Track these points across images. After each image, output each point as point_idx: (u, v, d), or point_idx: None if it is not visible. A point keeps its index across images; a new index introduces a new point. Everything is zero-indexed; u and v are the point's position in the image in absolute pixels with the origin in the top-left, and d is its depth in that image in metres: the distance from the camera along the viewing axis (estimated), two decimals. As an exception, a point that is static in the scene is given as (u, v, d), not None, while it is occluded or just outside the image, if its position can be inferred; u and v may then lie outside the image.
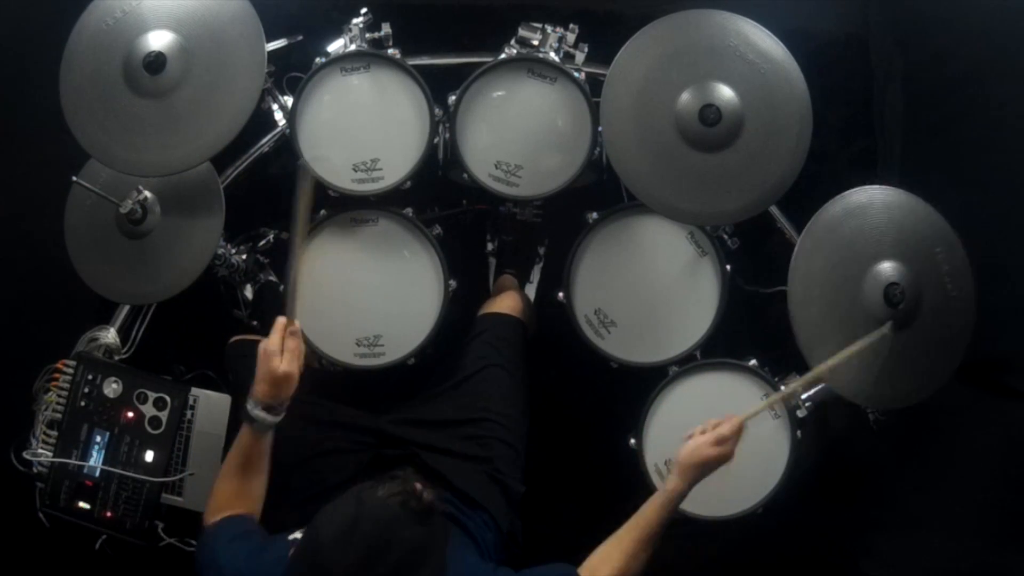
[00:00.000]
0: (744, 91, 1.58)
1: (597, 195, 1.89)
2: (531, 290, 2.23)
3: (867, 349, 1.53)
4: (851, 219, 1.67)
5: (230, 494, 1.41)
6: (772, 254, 2.01)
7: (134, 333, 1.98)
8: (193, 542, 1.87)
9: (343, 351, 1.79)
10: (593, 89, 1.71)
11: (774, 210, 1.97)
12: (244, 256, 1.96)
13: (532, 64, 1.73)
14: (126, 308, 2.00)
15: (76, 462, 1.82)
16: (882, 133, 2.18)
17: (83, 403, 1.84)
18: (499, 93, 1.76)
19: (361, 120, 1.76)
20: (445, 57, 2.09)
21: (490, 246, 2.24)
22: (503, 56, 1.74)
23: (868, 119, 2.21)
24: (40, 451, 1.83)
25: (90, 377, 1.85)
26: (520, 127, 1.76)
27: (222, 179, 1.83)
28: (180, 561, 1.86)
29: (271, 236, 2.05)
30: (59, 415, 1.84)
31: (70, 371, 1.85)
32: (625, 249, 1.83)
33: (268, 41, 1.65)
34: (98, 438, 1.83)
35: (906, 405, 1.69)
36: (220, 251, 1.83)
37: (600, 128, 1.66)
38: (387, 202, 1.80)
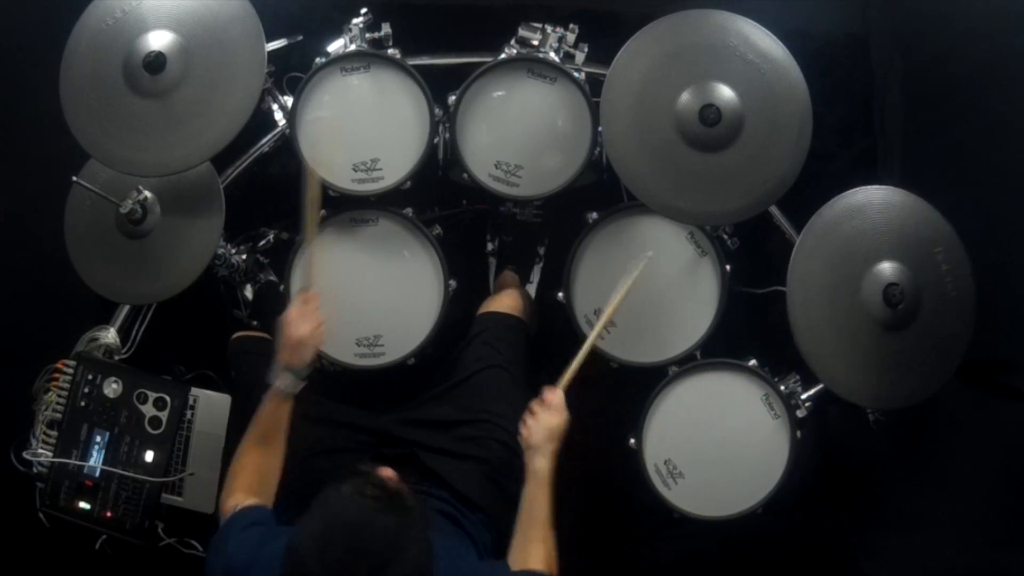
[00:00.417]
0: (744, 91, 1.58)
1: (597, 195, 1.89)
2: (531, 290, 2.23)
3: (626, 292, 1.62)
4: (851, 219, 1.67)
5: (250, 468, 1.42)
6: (772, 254, 2.01)
7: (134, 333, 1.98)
8: (193, 542, 1.88)
9: (343, 351, 1.79)
10: (593, 89, 1.71)
11: (774, 210, 1.97)
12: (244, 256, 1.96)
13: (532, 64, 1.73)
14: (126, 308, 2.00)
15: (76, 462, 1.82)
16: (882, 133, 2.18)
17: (83, 403, 1.84)
18: (499, 93, 1.76)
19: (361, 120, 1.76)
20: (445, 57, 2.09)
21: (490, 246, 2.24)
22: (503, 56, 1.74)
23: (868, 119, 2.21)
24: (40, 451, 1.83)
25: (90, 377, 1.85)
26: (520, 127, 1.76)
27: (222, 179, 1.83)
28: (180, 561, 1.86)
29: (271, 236, 2.05)
30: (59, 415, 1.84)
31: (70, 371, 1.85)
32: (625, 249, 1.83)
33: (268, 41, 1.65)
34: (98, 438, 1.83)
35: (906, 405, 1.69)
36: (220, 251, 1.83)
37: (600, 128, 1.66)
38: (387, 202, 1.80)
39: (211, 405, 1.92)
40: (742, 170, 1.59)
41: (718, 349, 1.83)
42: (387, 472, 1.21)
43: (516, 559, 1.39)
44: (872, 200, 1.67)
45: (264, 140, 2.03)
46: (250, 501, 1.37)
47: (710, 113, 1.56)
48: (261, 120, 1.93)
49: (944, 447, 1.86)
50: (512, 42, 1.77)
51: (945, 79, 1.99)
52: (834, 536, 1.99)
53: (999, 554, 1.67)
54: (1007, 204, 1.78)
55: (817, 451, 1.95)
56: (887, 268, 1.64)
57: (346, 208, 1.79)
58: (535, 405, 1.52)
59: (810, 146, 1.59)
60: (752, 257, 1.98)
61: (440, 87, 1.76)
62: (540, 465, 1.46)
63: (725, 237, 1.82)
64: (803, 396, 1.77)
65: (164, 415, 1.85)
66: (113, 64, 1.62)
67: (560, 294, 1.82)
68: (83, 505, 1.82)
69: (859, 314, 1.64)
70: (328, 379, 1.88)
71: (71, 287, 1.78)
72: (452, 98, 1.75)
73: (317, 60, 1.74)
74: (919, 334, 1.65)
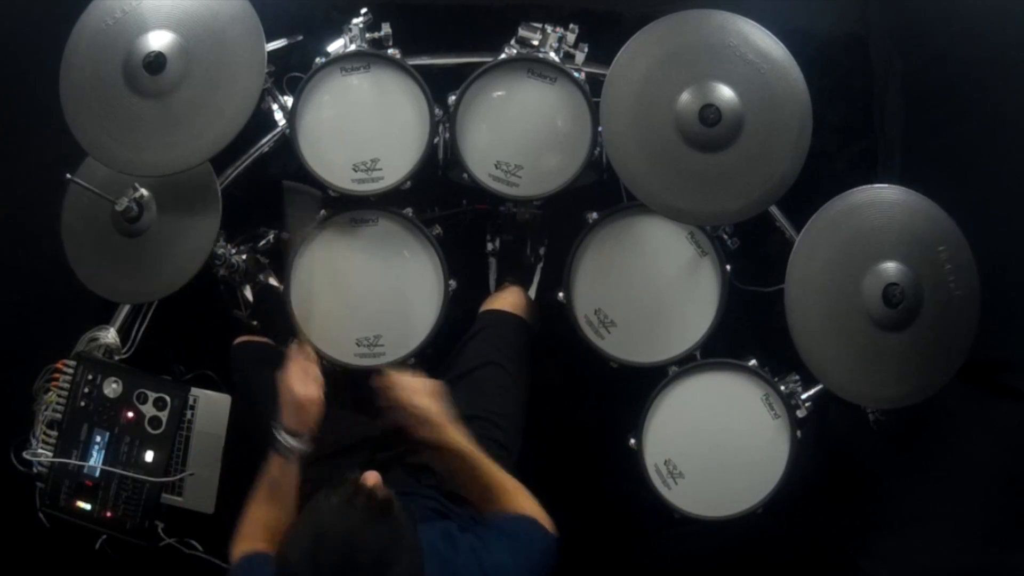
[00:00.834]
0: (744, 91, 1.58)
1: (597, 195, 1.89)
2: (531, 290, 2.23)
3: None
4: (851, 219, 1.67)
5: (259, 522, 1.40)
6: (772, 254, 2.01)
7: (134, 333, 1.98)
8: (193, 542, 1.88)
9: (343, 351, 1.79)
10: (593, 89, 1.71)
11: (774, 210, 1.97)
12: (244, 256, 1.96)
13: (532, 64, 1.73)
14: (126, 308, 2.00)
15: (76, 462, 1.82)
16: (882, 133, 2.18)
17: (83, 403, 1.84)
18: (499, 93, 1.76)
19: (361, 120, 1.76)
20: (445, 57, 2.09)
21: (490, 246, 2.23)
22: (503, 56, 1.74)
23: (868, 119, 2.21)
24: (40, 451, 1.83)
25: (90, 377, 1.85)
26: (520, 127, 1.76)
27: (222, 179, 1.84)
28: (180, 561, 1.86)
29: (271, 236, 2.05)
30: (59, 415, 1.84)
31: (70, 371, 1.85)
32: (625, 249, 1.83)
33: (268, 41, 1.65)
34: (98, 438, 1.83)
35: (906, 405, 1.69)
36: (220, 251, 1.83)
37: (600, 128, 1.66)
38: (387, 202, 1.80)
39: (211, 405, 1.92)
40: (742, 170, 1.59)
41: (718, 349, 1.83)
42: (374, 479, 1.18)
43: (499, 504, 1.38)
44: (874, 199, 1.67)
45: (264, 140, 2.03)
46: (258, 547, 1.37)
47: (710, 113, 1.56)
48: (261, 120, 1.93)
49: (944, 447, 1.86)
50: (512, 42, 1.77)
51: (945, 79, 1.99)
52: (834, 536, 1.99)
53: (999, 554, 1.67)
54: (1007, 204, 1.78)
55: (817, 451, 1.95)
56: (887, 268, 1.64)
57: (346, 208, 1.80)
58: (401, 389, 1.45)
59: (810, 146, 1.59)
60: (752, 257, 1.98)
61: (440, 87, 1.76)
62: (453, 436, 1.42)
63: (725, 237, 1.82)
64: (803, 396, 1.77)
65: (164, 415, 1.85)
66: (113, 64, 1.62)
67: (560, 294, 1.82)
68: (83, 505, 1.82)
69: (859, 314, 1.64)
70: (327, 379, 1.88)
71: (71, 287, 1.77)
72: (452, 98, 1.75)
73: (317, 60, 1.74)
74: (920, 334, 1.65)
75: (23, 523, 1.87)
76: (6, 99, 2.11)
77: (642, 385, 1.80)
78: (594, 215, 1.82)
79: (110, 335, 1.97)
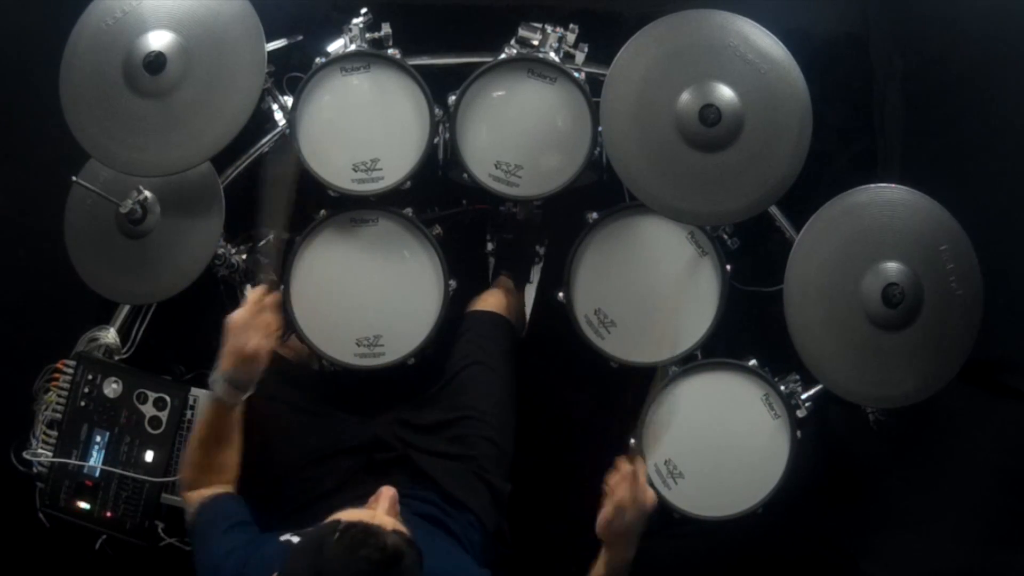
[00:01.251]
0: (744, 91, 1.58)
1: (597, 195, 1.89)
2: (531, 290, 2.23)
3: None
4: (851, 219, 1.67)
5: (198, 467, 1.40)
6: (772, 254, 2.01)
7: (134, 333, 1.98)
8: (193, 542, 1.87)
9: (343, 351, 1.79)
10: (593, 89, 1.71)
11: (774, 210, 1.97)
12: (244, 256, 1.96)
13: (532, 64, 1.73)
14: (126, 308, 2.00)
15: (76, 462, 1.82)
16: (882, 133, 2.18)
17: (83, 403, 1.84)
18: (499, 93, 1.76)
19: (361, 120, 1.76)
20: (445, 57, 2.09)
21: (490, 246, 2.24)
22: (503, 56, 1.74)
23: (868, 119, 2.21)
24: (40, 451, 1.83)
25: (90, 377, 1.85)
26: (520, 127, 1.76)
27: (222, 179, 1.83)
28: (180, 561, 1.86)
29: (271, 236, 2.05)
30: (59, 415, 1.84)
31: (70, 371, 1.85)
32: (625, 249, 1.83)
33: (268, 41, 1.65)
34: (98, 438, 1.83)
35: (906, 405, 1.69)
36: (220, 251, 1.83)
37: (600, 128, 1.66)
38: (387, 202, 1.80)
39: (211, 405, 1.92)
40: (742, 170, 1.59)
41: (718, 349, 1.83)
42: (390, 524, 1.10)
43: None
44: (875, 199, 1.67)
45: (264, 140, 2.03)
46: (217, 490, 1.35)
47: (710, 113, 1.56)
48: (261, 120, 1.93)
49: (944, 447, 1.86)
50: (512, 42, 1.77)
51: (945, 79, 1.99)
52: (834, 536, 1.99)
53: (999, 554, 1.67)
54: (1007, 204, 1.78)
55: (817, 451, 1.95)
56: (887, 268, 1.64)
57: (346, 208, 1.79)
58: (607, 494, 1.36)
59: (810, 146, 1.59)
60: (752, 257, 1.97)
61: (440, 87, 1.76)
62: (612, 555, 1.35)
63: (725, 237, 1.82)
64: (803, 396, 1.77)
65: (164, 415, 1.85)
66: (113, 64, 1.62)
67: (560, 294, 1.82)
68: (83, 505, 1.82)
69: (859, 314, 1.64)
70: (328, 379, 1.88)
71: (71, 287, 1.78)
72: (452, 98, 1.75)
73: (317, 60, 1.74)
74: (921, 333, 1.65)
75: (23, 523, 1.87)
76: (7, 99, 2.11)
77: (642, 385, 1.80)
78: (594, 215, 1.82)
79: (110, 335, 1.97)
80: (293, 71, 1.92)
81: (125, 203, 1.69)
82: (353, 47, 1.75)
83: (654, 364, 1.81)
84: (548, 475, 2.05)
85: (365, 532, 1.05)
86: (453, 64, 2.07)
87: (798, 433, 1.74)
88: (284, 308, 1.80)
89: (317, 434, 1.63)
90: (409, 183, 1.76)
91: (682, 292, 1.83)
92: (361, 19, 1.76)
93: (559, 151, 1.77)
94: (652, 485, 1.75)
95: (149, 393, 1.85)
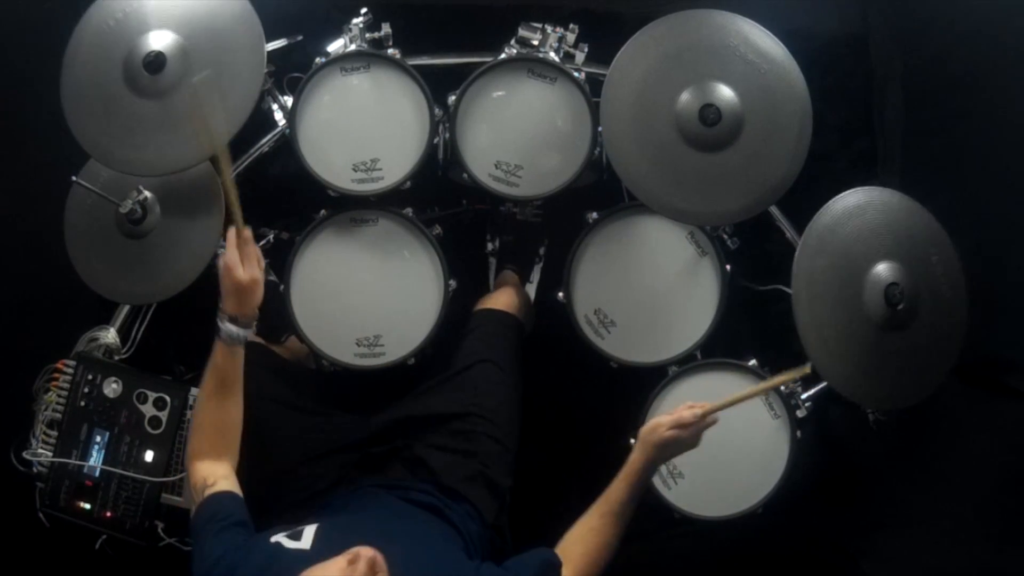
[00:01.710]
0: (744, 91, 1.58)
1: (597, 195, 1.89)
2: (531, 290, 2.23)
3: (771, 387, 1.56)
4: (852, 219, 1.67)
5: (209, 425, 1.41)
6: (772, 254, 2.01)
7: (134, 333, 1.98)
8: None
9: (343, 351, 1.79)
10: (593, 89, 1.71)
11: (774, 210, 1.97)
12: (244, 256, 1.95)
13: (532, 64, 1.73)
14: (126, 308, 2.00)
15: (76, 462, 1.82)
16: (882, 133, 2.18)
17: (83, 403, 1.84)
18: (499, 93, 1.76)
19: (361, 120, 1.76)
20: (445, 57, 2.09)
21: (490, 246, 2.24)
22: (503, 56, 1.75)
23: (868, 119, 2.21)
24: (40, 451, 1.83)
25: (90, 377, 1.85)
26: (520, 127, 1.76)
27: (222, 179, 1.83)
28: (180, 561, 1.86)
29: (271, 236, 2.05)
30: (59, 415, 1.84)
31: (70, 371, 1.85)
32: (625, 249, 1.83)
33: (268, 41, 1.65)
34: (98, 438, 1.83)
35: (906, 405, 1.69)
36: (220, 251, 1.83)
37: (600, 128, 1.66)
38: (387, 202, 1.80)
39: (211, 405, 1.92)
40: (742, 170, 1.59)
41: (718, 349, 1.83)
42: (373, 564, 1.10)
43: (567, 541, 1.36)
44: (871, 200, 1.67)
45: (264, 140, 2.03)
46: (221, 487, 1.35)
47: (710, 113, 1.56)
48: (261, 120, 1.93)
49: (944, 447, 1.86)
50: (512, 42, 1.77)
51: (945, 79, 1.99)
52: (834, 536, 1.99)
53: (999, 554, 1.67)
54: (1007, 204, 1.78)
55: (817, 451, 1.95)
56: (887, 268, 1.64)
57: (346, 208, 1.80)
58: (683, 407, 1.41)
59: (810, 146, 1.59)
60: (752, 257, 1.97)
61: (440, 87, 1.76)
62: (634, 458, 1.40)
63: (725, 237, 1.82)
64: (803, 396, 1.77)
65: (164, 415, 1.85)
66: (113, 64, 1.62)
67: (560, 294, 1.82)
68: (83, 505, 1.82)
69: (860, 314, 1.64)
70: (328, 379, 1.88)
71: (71, 287, 1.77)
72: (452, 98, 1.75)
73: (317, 60, 1.74)
74: (918, 334, 1.65)
75: (23, 523, 1.87)
76: (7, 99, 2.11)
77: (642, 385, 1.80)
78: (594, 215, 1.82)
79: (110, 335, 1.97)
80: (293, 71, 1.92)
81: (125, 203, 1.70)
82: (353, 47, 1.75)
83: (654, 364, 1.81)
84: (548, 475, 2.05)
85: (352, 569, 1.05)
86: (453, 64, 2.06)
87: (798, 433, 1.74)
88: (284, 308, 1.80)
89: (314, 433, 1.63)
90: (409, 183, 1.76)
91: (682, 292, 1.83)
92: (361, 19, 1.76)
93: (559, 151, 1.77)
94: (652, 485, 1.76)
95: (149, 393, 1.85)
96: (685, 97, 1.59)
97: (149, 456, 1.84)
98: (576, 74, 1.73)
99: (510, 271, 2.18)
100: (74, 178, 1.72)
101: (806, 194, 1.68)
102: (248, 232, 1.41)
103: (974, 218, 1.68)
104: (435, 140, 1.76)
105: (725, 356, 1.80)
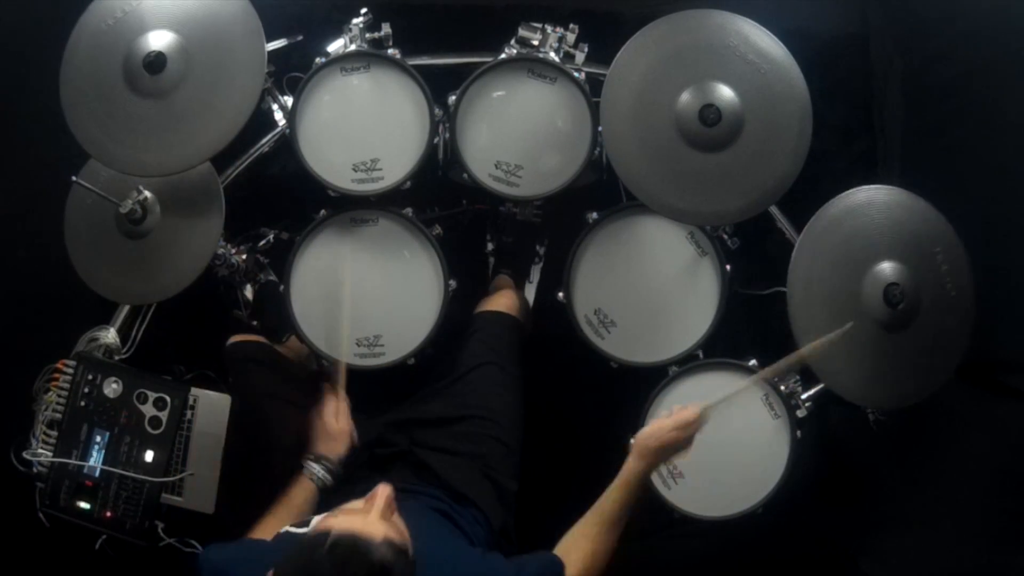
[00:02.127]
0: (744, 91, 1.58)
1: (597, 195, 1.89)
2: (531, 290, 2.23)
3: (843, 338, 1.51)
4: (851, 219, 1.67)
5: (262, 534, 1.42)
6: (772, 254, 2.01)
7: (134, 333, 1.98)
8: (193, 542, 1.87)
9: (343, 351, 1.79)
10: (593, 89, 1.71)
11: (774, 210, 1.97)
12: (244, 256, 1.95)
13: (532, 64, 1.73)
14: (126, 308, 2.00)
15: (76, 462, 1.82)
16: (882, 133, 2.18)
17: (83, 403, 1.84)
18: (499, 93, 1.76)
19: (361, 120, 1.76)
20: (445, 57, 2.09)
21: (490, 246, 2.24)
22: (503, 56, 1.75)
23: (868, 119, 2.21)
24: (40, 451, 1.83)
25: (90, 377, 1.85)
26: (520, 127, 1.76)
27: (222, 179, 1.83)
28: (180, 561, 1.86)
29: (271, 236, 2.05)
30: (59, 415, 1.84)
31: (70, 371, 1.85)
32: (625, 249, 1.83)
33: (268, 41, 1.65)
34: (98, 438, 1.83)
35: (906, 405, 1.69)
36: (220, 251, 1.83)
37: (600, 128, 1.66)
38: (387, 202, 1.80)
39: (211, 405, 1.91)
40: (742, 170, 1.59)
41: (718, 349, 1.83)
42: (383, 499, 1.12)
43: (564, 546, 1.37)
44: (872, 200, 1.67)
45: (264, 140, 2.03)
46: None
47: (710, 113, 1.56)
48: (261, 120, 1.93)
49: (944, 447, 1.86)
50: (512, 42, 1.77)
51: (945, 79, 1.99)
52: (834, 536, 1.99)
53: (999, 554, 1.67)
54: (1007, 204, 1.78)
55: (817, 451, 1.95)
56: (888, 268, 1.64)
57: (346, 208, 1.80)
58: (674, 410, 1.43)
59: (810, 146, 1.59)
60: (752, 257, 1.97)
61: (440, 87, 1.76)
62: (630, 465, 1.41)
63: (725, 237, 1.82)
64: (803, 396, 1.77)
65: (164, 415, 1.85)
66: (113, 64, 1.62)
67: (560, 294, 1.82)
68: (83, 505, 1.82)
69: (860, 314, 1.64)
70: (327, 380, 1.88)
71: (71, 287, 1.77)
72: (452, 98, 1.75)
73: (317, 60, 1.74)
74: (919, 334, 1.65)
75: (23, 523, 1.87)
76: (7, 99, 2.11)
77: (642, 385, 1.80)
78: (594, 215, 1.82)
79: (110, 335, 1.97)
80: (293, 71, 1.92)
81: (125, 203, 1.69)
82: (353, 47, 1.75)
83: (654, 364, 1.81)
84: (548, 475, 2.05)
85: (353, 548, 1.05)
86: (453, 64, 2.07)
87: (798, 433, 1.74)
88: (284, 308, 1.80)
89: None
90: (409, 183, 1.76)
91: (682, 292, 1.83)
92: (361, 19, 1.76)
93: (559, 151, 1.77)
94: (652, 485, 1.76)
95: (149, 393, 1.85)
96: (685, 97, 1.59)
97: (149, 456, 1.83)
98: (576, 74, 1.73)
99: (504, 275, 2.18)
100: (74, 178, 1.72)
101: (806, 194, 1.68)
102: (347, 402, 1.57)
103: (973, 218, 1.68)
104: (435, 140, 1.76)
105: (725, 356, 1.79)
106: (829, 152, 2.20)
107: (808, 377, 1.75)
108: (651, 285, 1.83)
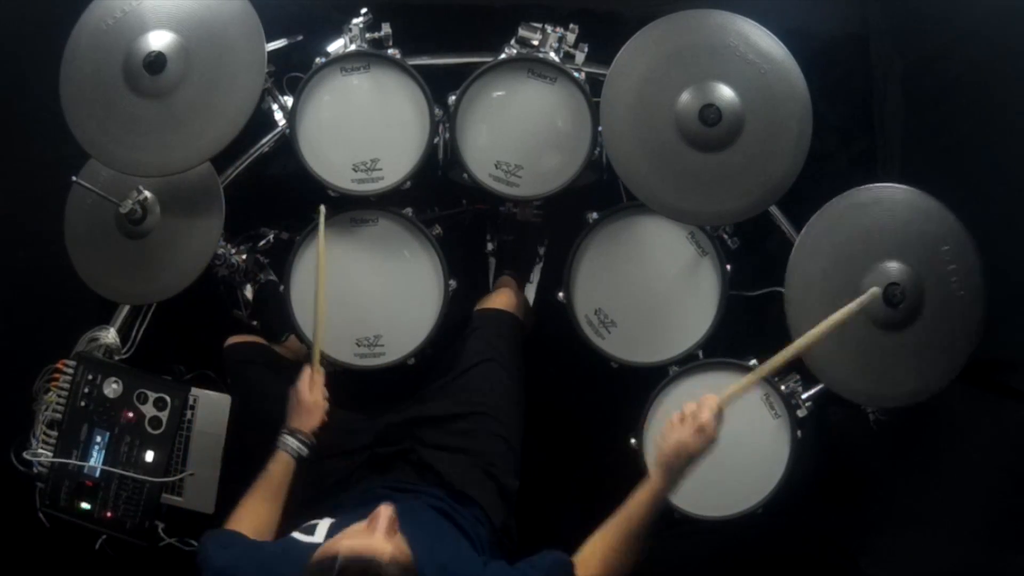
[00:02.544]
0: (744, 91, 1.58)
1: (597, 195, 1.89)
2: (531, 290, 2.23)
3: (842, 321, 1.43)
4: (851, 219, 1.67)
5: (250, 515, 1.43)
6: (772, 254, 2.00)
7: (134, 333, 1.98)
8: (193, 542, 1.87)
9: (343, 351, 1.79)
10: (593, 89, 1.71)
11: (774, 210, 1.97)
12: (244, 256, 1.96)
13: (532, 64, 1.73)
14: (126, 308, 2.00)
15: (76, 462, 1.82)
16: (882, 133, 2.18)
17: (83, 403, 1.84)
18: (499, 93, 1.76)
19: (361, 120, 1.76)
20: (445, 57, 2.09)
21: (490, 246, 2.24)
22: (503, 56, 1.74)
23: (868, 119, 2.21)
24: (40, 451, 1.83)
25: (90, 377, 1.85)
26: (520, 127, 1.76)
27: (222, 179, 1.83)
28: (180, 561, 1.86)
29: (271, 236, 2.05)
30: (59, 415, 1.84)
31: (70, 371, 1.85)
32: (625, 249, 1.83)
33: (268, 41, 1.65)
34: (98, 438, 1.83)
35: (906, 405, 1.69)
36: (220, 251, 1.83)
37: (600, 128, 1.66)
38: (387, 202, 1.80)
39: (211, 405, 1.92)
40: (742, 170, 1.59)
41: (718, 349, 1.83)
42: (386, 520, 1.12)
43: (584, 555, 1.33)
44: (874, 198, 1.67)
45: (264, 140, 2.03)
46: (235, 528, 1.38)
47: (710, 113, 1.56)
48: (261, 120, 1.93)
49: (944, 447, 1.86)
50: (512, 42, 1.77)
51: (945, 79, 1.99)
52: (834, 536, 1.99)
53: (999, 554, 1.67)
54: (1006, 203, 1.78)
55: (817, 451, 1.95)
56: (888, 267, 1.64)
57: (346, 208, 1.79)
58: (687, 411, 1.37)
59: (810, 146, 1.59)
60: (752, 257, 1.97)
61: (440, 87, 1.76)
62: (657, 485, 1.35)
63: (725, 237, 1.82)
64: (803, 396, 1.77)
65: (164, 415, 1.85)
66: (113, 64, 1.62)
67: (560, 294, 1.82)
68: (83, 505, 1.82)
69: (860, 314, 1.64)
70: (328, 380, 1.88)
71: (71, 287, 1.77)
72: (452, 98, 1.75)
73: (317, 60, 1.74)
74: (922, 333, 1.65)
75: (23, 523, 1.87)
76: (7, 99, 2.11)
77: (642, 385, 1.80)
78: (594, 215, 1.82)
79: (110, 335, 1.97)
80: (293, 71, 1.92)
81: (125, 203, 1.69)
82: (353, 47, 1.75)
83: (654, 364, 1.81)
84: (548, 474, 2.05)
85: (363, 571, 1.06)
86: (453, 64, 2.07)
87: (798, 433, 1.74)
88: (284, 308, 1.80)
89: (320, 431, 1.63)
90: (409, 183, 1.76)
91: (682, 292, 1.83)
92: (361, 19, 1.76)
93: (559, 151, 1.77)
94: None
95: (149, 393, 1.85)
96: (685, 97, 1.59)
97: (149, 456, 1.84)
98: (576, 74, 1.73)
99: (508, 275, 2.18)
100: (74, 178, 1.72)
101: (806, 194, 1.68)
102: (322, 375, 1.58)
103: (973, 218, 1.67)
104: (435, 140, 1.76)
105: (725, 356, 1.79)
106: (829, 152, 2.20)
107: (808, 377, 1.75)
108: (651, 285, 1.83)
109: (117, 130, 1.62)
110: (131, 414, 1.84)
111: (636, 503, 1.36)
